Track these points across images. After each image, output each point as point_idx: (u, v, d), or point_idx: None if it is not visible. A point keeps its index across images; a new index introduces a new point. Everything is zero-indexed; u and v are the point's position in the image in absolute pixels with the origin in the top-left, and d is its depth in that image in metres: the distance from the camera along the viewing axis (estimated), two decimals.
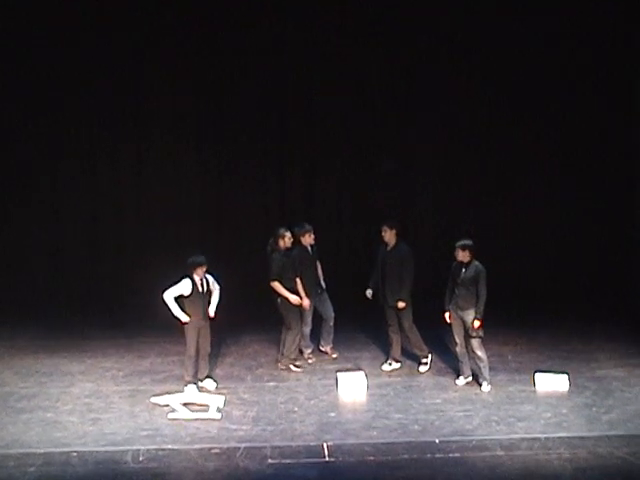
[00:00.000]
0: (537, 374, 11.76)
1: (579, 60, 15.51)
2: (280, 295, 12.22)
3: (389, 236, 12.29)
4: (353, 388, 11.56)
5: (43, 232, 15.73)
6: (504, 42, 15.38)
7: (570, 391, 11.47)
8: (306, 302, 12.37)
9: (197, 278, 11.51)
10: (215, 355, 12.99)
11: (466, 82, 15.63)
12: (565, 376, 11.67)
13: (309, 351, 12.89)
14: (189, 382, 11.49)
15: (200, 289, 11.53)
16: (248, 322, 14.33)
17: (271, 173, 16.12)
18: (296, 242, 12.57)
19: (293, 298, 12.21)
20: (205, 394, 11.26)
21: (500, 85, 15.60)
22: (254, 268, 15.21)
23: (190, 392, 11.27)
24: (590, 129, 15.65)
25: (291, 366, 12.41)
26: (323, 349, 13.10)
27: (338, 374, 11.86)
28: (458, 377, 11.88)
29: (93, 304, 15.37)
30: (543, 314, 14.84)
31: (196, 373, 11.66)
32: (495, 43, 15.39)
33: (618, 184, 15.66)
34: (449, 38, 15.48)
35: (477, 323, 11.32)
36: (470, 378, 11.83)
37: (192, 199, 16.04)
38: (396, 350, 12.58)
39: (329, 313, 12.93)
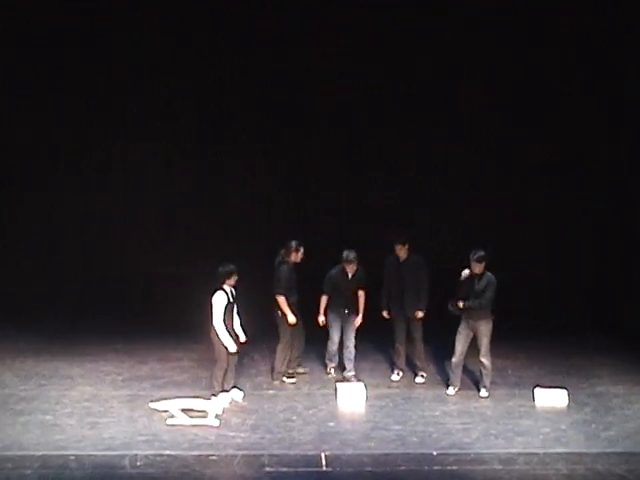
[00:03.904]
0: (537, 389, 11.75)
1: (578, 62, 15.54)
2: (281, 309, 12.19)
3: (404, 251, 12.35)
4: (352, 399, 11.55)
5: (45, 236, 15.73)
6: (504, 42, 15.39)
7: (569, 407, 11.45)
8: (292, 319, 12.19)
9: (228, 288, 11.40)
10: (215, 362, 12.98)
11: (466, 82, 15.64)
12: (564, 392, 11.66)
13: (332, 365, 12.83)
14: (222, 391, 11.43)
15: (231, 299, 11.43)
16: (247, 330, 14.28)
17: (267, 175, 16.14)
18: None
19: (291, 319, 12.12)
20: (204, 400, 11.25)
21: (499, 86, 15.61)
22: (254, 276, 15.27)
23: (223, 400, 11.29)
24: (588, 135, 15.70)
25: (284, 379, 12.39)
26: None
27: (337, 384, 11.86)
28: (448, 387, 11.99)
29: (94, 308, 15.36)
30: (544, 329, 14.82)
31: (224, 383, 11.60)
32: (495, 44, 15.40)
33: (619, 197, 15.64)
34: (449, 39, 15.49)
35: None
36: (457, 389, 11.94)
37: (189, 202, 16.01)
38: (403, 360, 12.66)
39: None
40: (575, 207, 15.89)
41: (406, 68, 15.62)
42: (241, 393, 11.70)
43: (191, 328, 14.20)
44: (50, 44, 15.21)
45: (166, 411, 10.91)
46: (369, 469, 9.49)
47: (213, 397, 11.33)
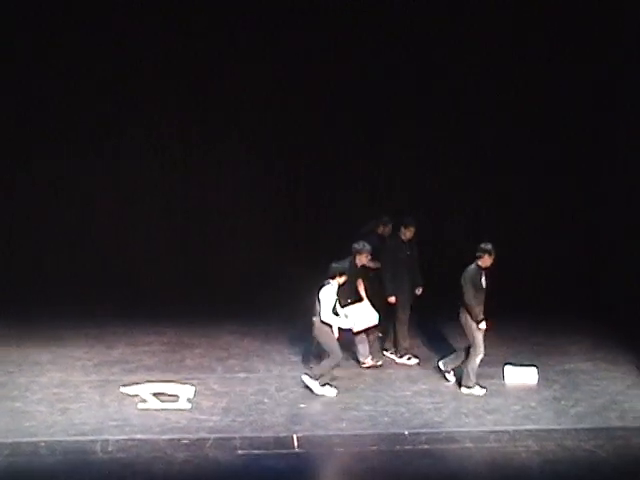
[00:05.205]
0: (506, 367, 11.82)
1: (573, 63, 15.54)
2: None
3: (412, 233, 12.45)
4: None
5: (12, 221, 15.57)
6: (504, 42, 15.39)
7: (539, 384, 11.56)
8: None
9: (336, 284, 11.22)
10: (186, 346, 12.99)
11: (463, 83, 15.61)
12: (534, 369, 11.75)
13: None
14: (326, 384, 11.29)
15: (337, 296, 11.31)
16: (219, 312, 14.30)
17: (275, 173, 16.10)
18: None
19: (377, 264, 12.38)
20: (175, 384, 11.23)
21: (497, 85, 15.58)
22: (229, 257, 15.33)
23: (330, 392, 11.20)
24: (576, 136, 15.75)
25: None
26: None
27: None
28: (476, 387, 11.43)
29: (63, 294, 15.24)
30: (513, 307, 14.88)
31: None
32: (495, 44, 15.39)
33: (595, 183, 15.70)
34: (448, 39, 15.46)
35: None
36: None
37: (176, 193, 15.97)
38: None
39: None
40: (559, 193, 15.92)
41: (407, 69, 15.56)
42: (335, 390, 11.37)
43: (161, 312, 14.24)
44: (44, 37, 15.03)
45: (137, 395, 10.89)
46: (341, 450, 9.55)
47: (319, 388, 11.19)
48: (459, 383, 11.39)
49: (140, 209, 15.78)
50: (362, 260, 11.75)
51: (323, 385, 11.22)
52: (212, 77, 15.53)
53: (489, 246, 11.19)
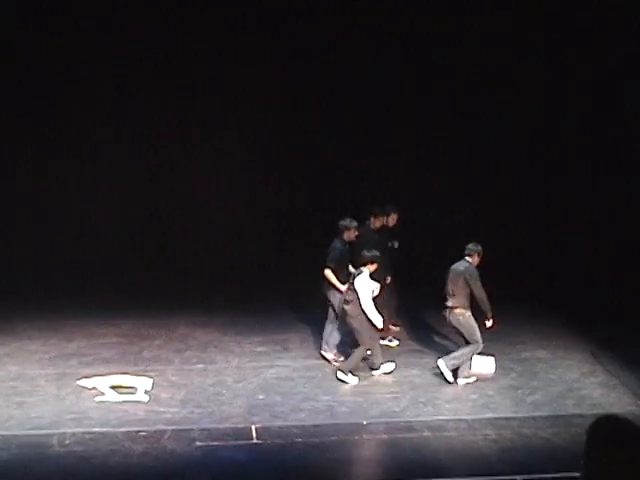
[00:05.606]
0: None
1: (568, 63, 15.60)
2: None
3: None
4: None
5: None
6: (502, 42, 15.42)
7: (497, 373, 11.61)
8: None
9: (368, 272, 11.23)
10: (143, 338, 12.91)
11: (463, 83, 15.62)
12: (492, 358, 11.81)
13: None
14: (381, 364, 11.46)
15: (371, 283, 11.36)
16: (177, 304, 14.23)
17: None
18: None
19: None
20: (132, 376, 11.16)
21: (497, 85, 15.60)
22: (189, 251, 15.28)
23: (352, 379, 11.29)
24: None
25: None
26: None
27: None
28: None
29: (18, 287, 15.09)
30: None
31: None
32: (493, 43, 15.42)
33: (595, 183, 15.80)
34: (449, 39, 15.46)
35: None
36: None
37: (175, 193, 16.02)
38: None
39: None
40: (530, 188, 16.03)
41: (407, 69, 15.58)
42: (392, 364, 11.68)
43: (118, 304, 14.15)
44: (45, 37, 14.90)
45: (94, 388, 10.81)
46: (300, 440, 9.55)
47: (343, 375, 11.23)
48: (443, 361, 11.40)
49: (130, 208, 15.75)
50: (350, 236, 11.84)
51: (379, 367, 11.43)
52: (212, 77, 15.49)
53: (479, 247, 11.35)
